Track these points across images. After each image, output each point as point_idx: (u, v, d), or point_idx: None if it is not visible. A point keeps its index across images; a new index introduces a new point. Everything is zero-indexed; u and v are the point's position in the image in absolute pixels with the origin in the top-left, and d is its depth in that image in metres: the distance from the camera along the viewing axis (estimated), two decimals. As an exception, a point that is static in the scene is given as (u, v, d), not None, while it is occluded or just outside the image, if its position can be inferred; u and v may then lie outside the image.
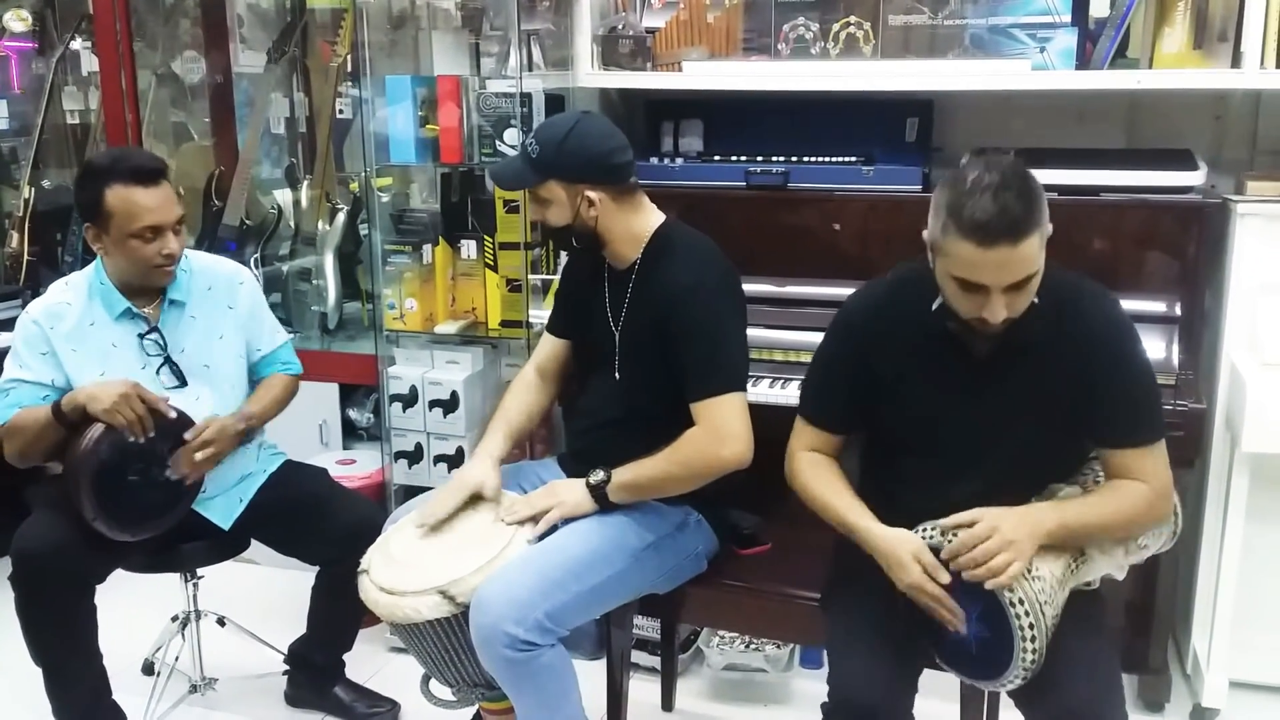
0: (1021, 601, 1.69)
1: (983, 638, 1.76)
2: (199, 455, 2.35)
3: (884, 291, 1.97)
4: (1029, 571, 1.71)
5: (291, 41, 3.50)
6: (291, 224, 3.60)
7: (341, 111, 3.46)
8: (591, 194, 2.10)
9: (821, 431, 2.01)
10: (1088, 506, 1.83)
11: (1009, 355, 1.83)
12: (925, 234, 1.78)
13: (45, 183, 3.88)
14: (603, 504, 2.10)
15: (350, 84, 3.38)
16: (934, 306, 1.84)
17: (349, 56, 3.30)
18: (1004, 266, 1.68)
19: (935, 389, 1.88)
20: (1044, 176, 2.51)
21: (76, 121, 3.93)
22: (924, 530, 1.81)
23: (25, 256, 3.70)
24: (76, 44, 3.82)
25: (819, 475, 1.98)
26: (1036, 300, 1.78)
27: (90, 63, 3.74)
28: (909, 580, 1.79)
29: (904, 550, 1.80)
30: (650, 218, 2.20)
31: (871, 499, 1.94)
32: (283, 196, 3.60)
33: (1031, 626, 1.68)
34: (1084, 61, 2.57)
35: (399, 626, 2.05)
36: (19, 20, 3.84)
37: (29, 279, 3.65)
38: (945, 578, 1.77)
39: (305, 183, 3.58)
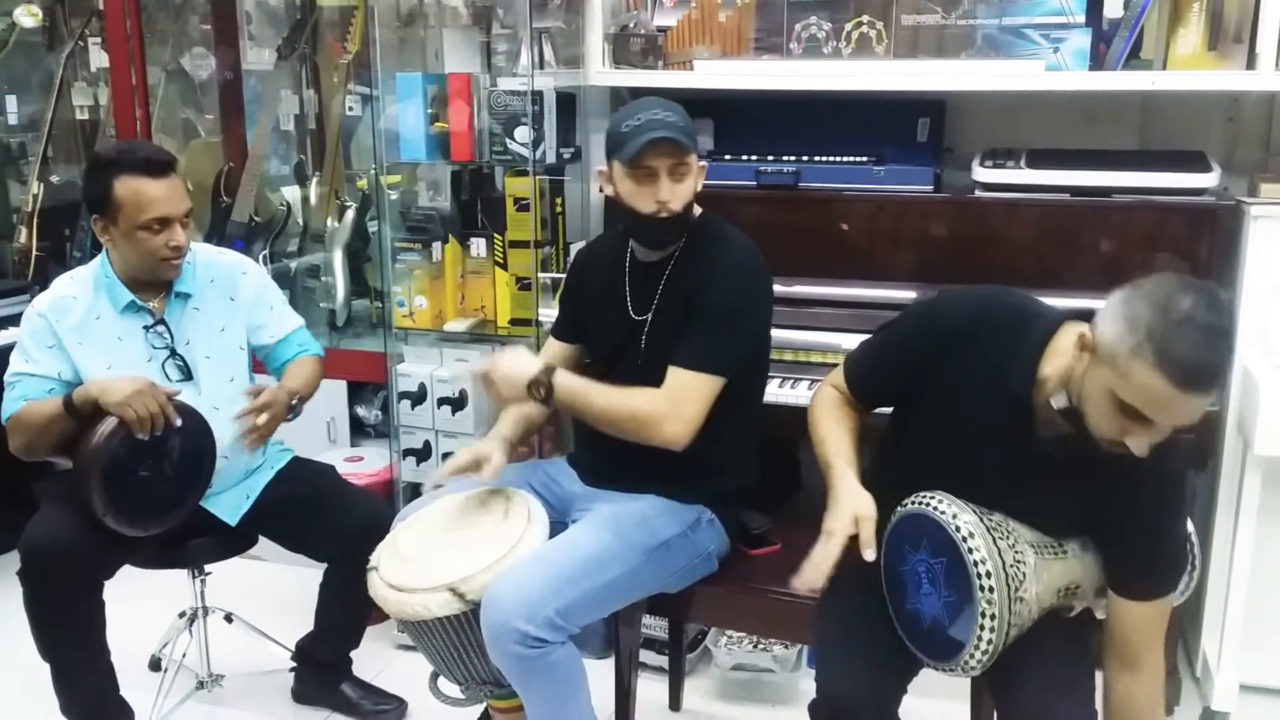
0: (990, 575, 1.66)
1: (938, 620, 1.75)
2: (260, 418, 2.35)
3: (981, 320, 1.80)
4: (1015, 574, 1.68)
5: (301, 38, 3.50)
6: (300, 221, 3.60)
7: (351, 109, 3.46)
8: (702, 164, 2.13)
9: (853, 395, 1.99)
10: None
11: (1065, 449, 1.70)
12: (1097, 334, 1.60)
13: (54, 178, 3.88)
14: (543, 392, 2.07)
15: (360, 81, 3.38)
16: (1056, 404, 1.68)
17: (359, 54, 3.30)
18: (1184, 413, 1.54)
19: (982, 436, 1.77)
20: (1056, 178, 2.58)
21: (86, 117, 3.93)
22: (928, 499, 1.77)
23: (34, 252, 3.70)
24: (86, 40, 3.81)
25: (832, 411, 1.96)
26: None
27: (100, 59, 3.73)
28: (828, 525, 1.76)
29: (849, 501, 1.78)
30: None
31: (872, 485, 1.87)
32: (291, 194, 3.61)
33: (993, 618, 1.67)
34: (1097, 62, 2.56)
35: (408, 624, 2.04)
36: (30, 16, 3.84)
37: (38, 274, 3.65)
38: (870, 555, 1.75)
39: (314, 180, 3.58)
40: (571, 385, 2.08)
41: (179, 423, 2.29)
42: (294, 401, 2.46)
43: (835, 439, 1.92)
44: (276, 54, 3.52)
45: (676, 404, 2.04)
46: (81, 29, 3.78)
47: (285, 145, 3.83)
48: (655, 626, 2.73)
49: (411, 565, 2.03)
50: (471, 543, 2.05)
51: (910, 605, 1.80)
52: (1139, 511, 1.73)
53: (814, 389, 2.06)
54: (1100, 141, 2.76)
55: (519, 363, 2.09)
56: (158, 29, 3.81)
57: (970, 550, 1.69)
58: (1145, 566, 1.77)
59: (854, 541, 1.76)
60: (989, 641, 1.68)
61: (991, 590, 1.67)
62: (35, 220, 3.72)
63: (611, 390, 2.07)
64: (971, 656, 1.70)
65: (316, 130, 3.74)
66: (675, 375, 2.06)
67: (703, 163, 2.14)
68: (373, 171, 3.05)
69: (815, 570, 1.76)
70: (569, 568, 1.98)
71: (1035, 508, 1.77)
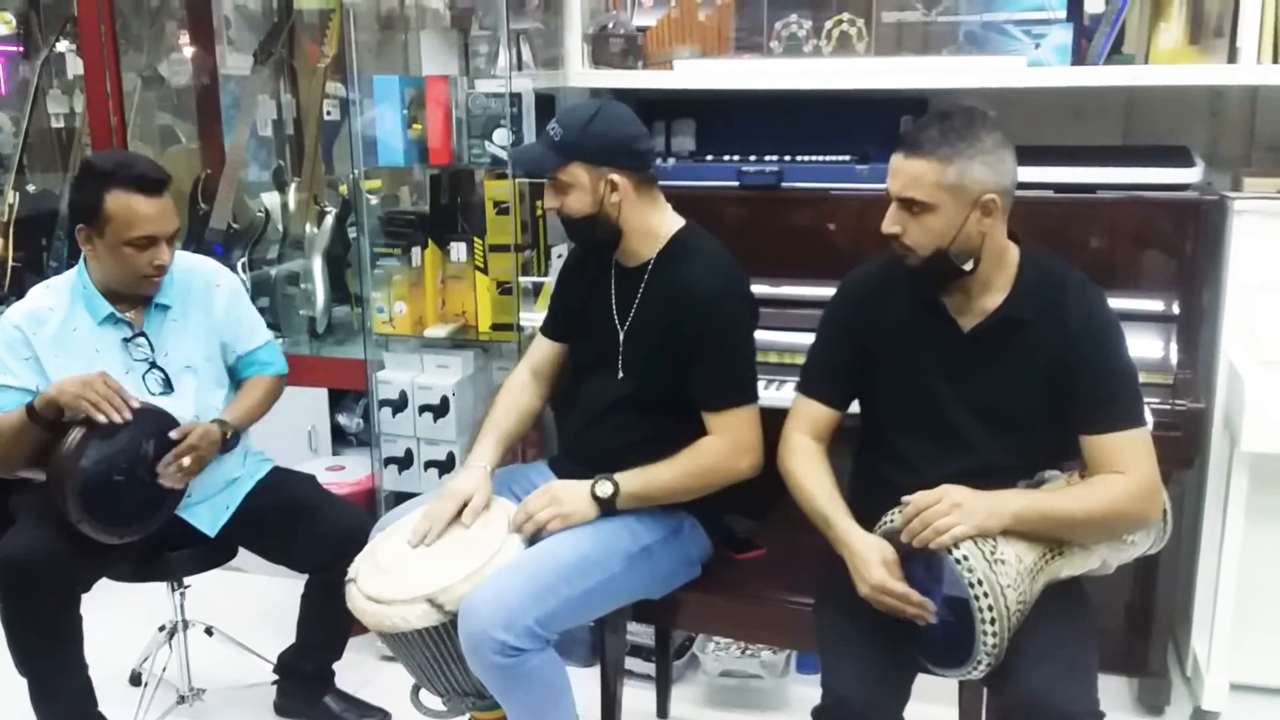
0: (981, 583, 1.66)
1: (947, 622, 1.74)
2: (185, 461, 2.31)
3: (879, 267, 2.00)
4: (991, 553, 1.69)
5: (278, 42, 3.47)
6: (280, 227, 3.56)
7: (329, 113, 3.43)
8: (615, 177, 2.07)
9: (819, 405, 2.03)
10: (1062, 495, 1.82)
11: (996, 334, 1.87)
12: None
13: (30, 187, 3.83)
14: (607, 512, 2.08)
15: (338, 85, 3.35)
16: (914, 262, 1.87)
17: (336, 57, 3.26)
18: (894, 174, 1.83)
19: (924, 364, 1.92)
20: (1040, 174, 2.55)
21: (62, 125, 3.89)
22: (889, 517, 1.81)
23: (10, 263, 3.66)
24: (61, 46, 3.77)
25: (808, 465, 1.99)
26: (1021, 281, 1.87)
27: (75, 65, 3.69)
28: (872, 581, 1.79)
29: (874, 554, 1.81)
30: (668, 218, 2.18)
31: (863, 482, 2.01)
32: (270, 200, 3.57)
33: (991, 609, 1.66)
34: (1079, 58, 2.54)
35: (388, 635, 2.01)
36: (2, 23, 3.80)
37: (14, 285, 3.60)
38: (933, 618, 1.77)
39: (293, 185, 3.54)
40: (635, 483, 2.08)
41: (136, 404, 2.25)
42: (228, 435, 2.41)
43: (823, 491, 1.95)
44: (254, 58, 3.49)
45: (735, 441, 2.07)
46: (56, 35, 3.74)
47: (264, 151, 3.80)
48: (641, 633, 2.69)
49: (390, 576, 2.00)
50: (450, 552, 2.02)
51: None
52: (1078, 346, 1.83)
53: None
54: (1084, 137, 2.75)
55: (576, 501, 2.07)
56: (133, 35, 3.78)
57: (949, 551, 1.70)
58: (1104, 393, 1.82)
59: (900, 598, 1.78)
60: (994, 637, 1.66)
61: (981, 584, 1.66)
62: (11, 230, 3.68)
63: (669, 464, 2.08)
64: (980, 663, 1.69)
65: (295, 135, 3.72)
66: (718, 419, 2.08)
67: (613, 175, 2.08)
68: (351, 176, 3.01)
69: (919, 610, 1.77)
70: (548, 575, 1.95)
71: (1001, 399, 1.88)
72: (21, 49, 3.90)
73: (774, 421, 2.30)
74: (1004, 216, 1.85)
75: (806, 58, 2.72)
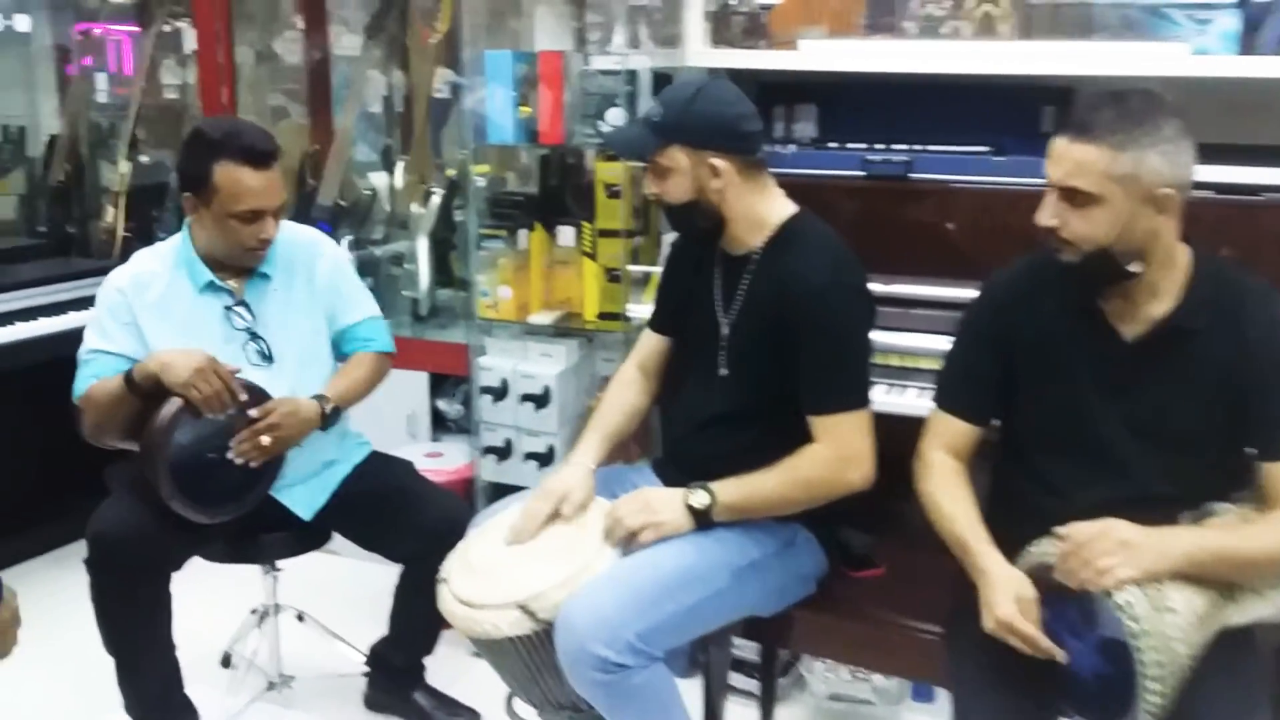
0: (1147, 634, 1.48)
1: (1103, 673, 1.57)
2: (265, 440, 2.23)
3: (1028, 266, 1.84)
4: (1158, 599, 1.52)
5: (389, 18, 3.40)
6: (386, 208, 3.51)
7: (439, 90, 3.35)
8: (717, 162, 1.93)
9: (959, 421, 1.87)
10: (1237, 532, 1.63)
11: (1163, 345, 1.70)
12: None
13: (143, 159, 3.84)
14: (703, 525, 1.93)
15: (449, 63, 3.27)
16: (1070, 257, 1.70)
17: (448, 34, 3.18)
18: (1056, 160, 1.65)
19: (1077, 375, 1.75)
20: (1201, 173, 2.32)
21: (176, 98, 3.89)
22: (1037, 549, 1.64)
23: (120, 232, 3.67)
24: (178, 20, 3.77)
25: (947, 487, 1.83)
26: (1194, 287, 1.69)
27: (191, 39, 3.68)
28: (999, 614, 1.62)
29: (1009, 587, 1.64)
30: (778, 204, 2.03)
31: (1001, 503, 1.83)
32: (379, 180, 3.53)
33: (1159, 665, 1.48)
34: (1248, 46, 2.31)
35: (479, 641, 1.91)
36: (122, -7, 3.82)
37: (124, 255, 3.57)
38: (1062, 657, 1.60)
39: (400, 165, 3.48)
40: (732, 493, 1.93)
41: (244, 397, 2.19)
42: (328, 410, 2.33)
43: (963, 515, 1.78)
44: (365, 34, 3.43)
45: (842, 449, 1.91)
46: (171, 8, 3.73)
47: (373, 130, 3.75)
48: (745, 646, 2.55)
49: (481, 578, 1.90)
50: (545, 555, 1.91)
51: (1070, 667, 1.62)
52: (1257, 362, 1.66)
53: (923, 402, 1.96)
54: (1247, 135, 2.51)
55: (671, 511, 1.92)
56: (248, 10, 3.75)
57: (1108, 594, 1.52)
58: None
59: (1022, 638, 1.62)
60: (1159, 696, 1.48)
61: (1147, 635, 1.48)
62: (123, 200, 3.69)
63: (769, 473, 1.92)
64: (1140, 715, 1.51)
65: (405, 114, 3.65)
66: (824, 424, 1.92)
67: (715, 160, 1.93)
68: (460, 155, 2.93)
69: (1050, 653, 1.61)
70: (650, 587, 1.83)
71: (1166, 416, 1.70)
72: (139, 25, 3.90)
73: (895, 428, 2.15)
74: (1179, 215, 1.66)
75: (944, 39, 2.53)
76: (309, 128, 3.74)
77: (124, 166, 3.71)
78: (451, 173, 3.32)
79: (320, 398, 2.34)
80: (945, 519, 1.80)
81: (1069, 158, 1.63)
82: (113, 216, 3.70)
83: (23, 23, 4.07)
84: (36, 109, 4.14)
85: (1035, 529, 1.67)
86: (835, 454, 1.90)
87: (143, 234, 3.70)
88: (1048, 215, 1.68)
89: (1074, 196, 1.64)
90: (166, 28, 3.74)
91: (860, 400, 1.94)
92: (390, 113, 3.67)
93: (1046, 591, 1.63)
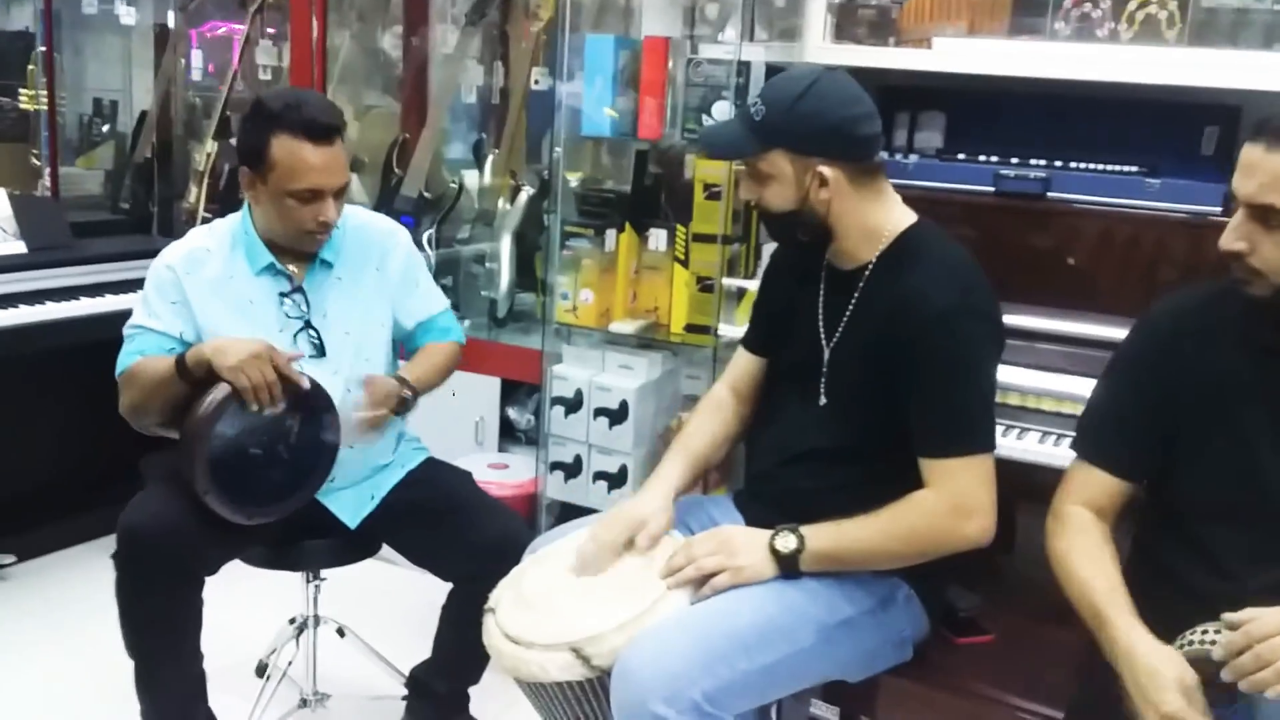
0: None
1: None
2: (371, 416, 2.08)
3: (1200, 298, 1.60)
4: None
5: (491, 5, 3.24)
6: (475, 204, 3.35)
7: (537, 82, 3.17)
8: (825, 170, 1.69)
9: (1104, 474, 1.62)
10: None
11: None
12: None
13: (233, 140, 3.73)
14: (788, 573, 1.68)
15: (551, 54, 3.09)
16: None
17: (550, 21, 3.00)
18: (1248, 172, 1.41)
19: (1259, 429, 1.50)
20: None
21: (269, 78, 3.78)
22: (1201, 633, 1.38)
23: (201, 213, 3.57)
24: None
25: (1086, 548, 1.57)
26: None
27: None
28: (1166, 710, 1.36)
29: (1170, 673, 1.38)
30: (894, 212, 1.78)
31: (1145, 577, 1.56)
32: (470, 178, 3.37)
33: None
34: None
35: (524, 683, 1.68)
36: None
37: (203, 236, 3.51)
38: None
39: (491, 158, 3.31)
40: (825, 540, 1.68)
41: (306, 385, 2.01)
42: (405, 394, 2.16)
43: (1103, 583, 1.52)
44: (465, 20, 3.28)
45: (960, 498, 1.65)
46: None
47: (466, 123, 3.60)
48: (820, 706, 2.28)
49: (533, 613, 1.67)
50: (605, 591, 1.68)
51: None
52: None
53: (1044, 448, 1.80)
54: None
55: (752, 554, 1.68)
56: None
57: None
58: None
59: None
60: None
61: None
62: (206, 180, 3.59)
63: (869, 520, 1.67)
64: None
65: (500, 107, 3.49)
66: (939, 468, 1.67)
67: (823, 168, 1.69)
68: (552, 149, 2.74)
69: None
70: (723, 640, 1.58)
71: None
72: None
73: (1013, 475, 1.90)
74: None
75: (1100, 43, 2.26)
76: (399, 116, 3.59)
77: (210, 146, 3.62)
78: (544, 171, 3.14)
79: (400, 379, 2.18)
80: (1079, 584, 1.54)
81: (1266, 169, 1.38)
82: (195, 197, 3.61)
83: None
84: (130, 84, 4.08)
85: (1189, 613, 1.41)
86: (950, 504, 1.64)
87: (224, 215, 3.59)
88: (1234, 238, 1.44)
89: (1268, 216, 1.39)
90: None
91: (984, 444, 1.68)
92: (486, 106, 3.53)
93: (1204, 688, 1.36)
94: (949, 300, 1.66)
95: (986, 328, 1.70)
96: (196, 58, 3.91)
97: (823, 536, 1.67)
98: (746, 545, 1.68)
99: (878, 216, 1.76)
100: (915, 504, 1.65)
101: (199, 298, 2.13)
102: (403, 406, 2.17)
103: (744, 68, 2.37)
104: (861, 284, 1.76)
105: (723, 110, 2.36)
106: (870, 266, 1.76)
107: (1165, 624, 1.44)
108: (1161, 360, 1.58)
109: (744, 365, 2.01)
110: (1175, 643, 1.41)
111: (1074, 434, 1.69)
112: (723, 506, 1.94)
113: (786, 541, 1.67)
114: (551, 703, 1.67)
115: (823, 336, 1.81)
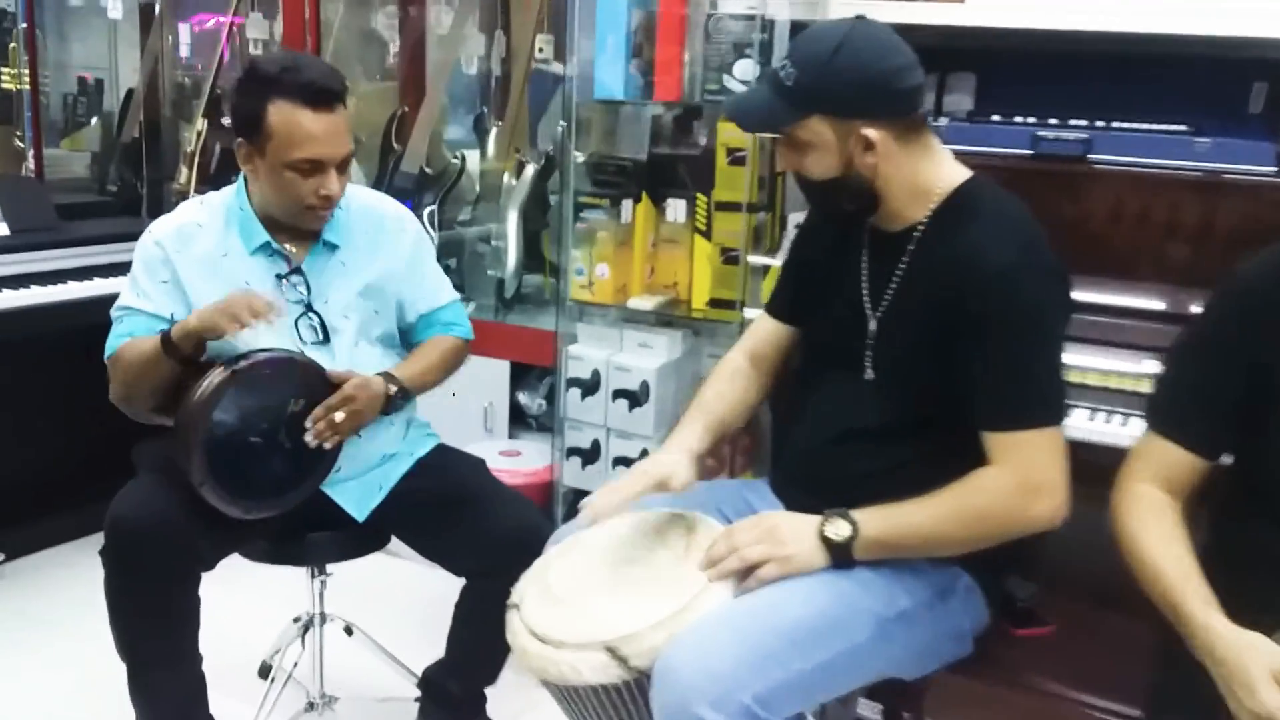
0: None
1: None
2: (338, 416, 1.95)
3: None
4: None
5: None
6: (476, 184, 3.26)
7: (541, 50, 3.05)
8: (869, 132, 1.56)
9: (1178, 449, 1.51)
10: None
11: None
12: None
13: (225, 120, 3.60)
14: (840, 562, 1.56)
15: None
16: None
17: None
18: None
19: None
20: None
21: (260, 51, 3.64)
22: None
23: (192, 195, 3.42)
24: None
25: (1157, 528, 1.46)
26: None
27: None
28: (1262, 708, 1.26)
29: (1255, 663, 1.29)
30: (945, 167, 1.66)
31: (1226, 560, 1.46)
32: (471, 158, 3.28)
33: None
34: None
35: (553, 686, 1.55)
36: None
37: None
38: None
39: (494, 131, 3.19)
40: (879, 525, 1.55)
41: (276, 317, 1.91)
42: (393, 392, 2.05)
43: (1176, 566, 1.42)
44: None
45: (1029, 475, 1.53)
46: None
47: (468, 96, 3.47)
48: (865, 704, 2.17)
49: (562, 609, 1.55)
50: (641, 587, 1.56)
51: None
52: None
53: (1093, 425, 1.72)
54: None
55: (802, 542, 1.56)
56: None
57: None
58: None
59: None
60: None
61: None
62: (196, 160, 3.46)
63: (928, 502, 1.55)
64: None
65: (502, 79, 3.37)
66: (1006, 442, 1.55)
67: (866, 130, 1.56)
68: (559, 125, 2.63)
69: None
70: (772, 638, 1.46)
71: None
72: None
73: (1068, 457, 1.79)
74: None
75: (1146, -8, 2.12)
76: (398, 88, 3.47)
77: (199, 125, 3.49)
78: (551, 144, 3.03)
79: (387, 376, 2.06)
80: (1151, 571, 1.43)
81: None
82: (185, 178, 3.48)
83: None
84: (115, 62, 3.94)
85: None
86: (1019, 481, 1.52)
87: (216, 197, 3.49)
88: None
89: None
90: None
91: (1054, 415, 1.57)
92: (486, 79, 3.42)
93: None
94: (1011, 256, 1.54)
95: (1054, 285, 1.58)
96: (184, 32, 3.77)
97: (877, 522, 1.55)
98: (794, 533, 1.56)
99: (928, 174, 1.63)
100: (980, 483, 1.53)
101: (190, 277, 2.03)
102: (389, 406, 2.06)
103: (769, 25, 2.25)
104: (911, 246, 1.64)
105: (745, 69, 2.24)
106: (921, 227, 1.63)
107: (1255, 610, 1.34)
108: (1247, 325, 1.46)
109: (766, 332, 1.90)
110: (1273, 631, 1.30)
111: (1125, 410, 1.59)
112: (759, 491, 1.82)
113: (838, 528, 1.54)
114: (584, 707, 1.54)
115: (867, 305, 1.68)
